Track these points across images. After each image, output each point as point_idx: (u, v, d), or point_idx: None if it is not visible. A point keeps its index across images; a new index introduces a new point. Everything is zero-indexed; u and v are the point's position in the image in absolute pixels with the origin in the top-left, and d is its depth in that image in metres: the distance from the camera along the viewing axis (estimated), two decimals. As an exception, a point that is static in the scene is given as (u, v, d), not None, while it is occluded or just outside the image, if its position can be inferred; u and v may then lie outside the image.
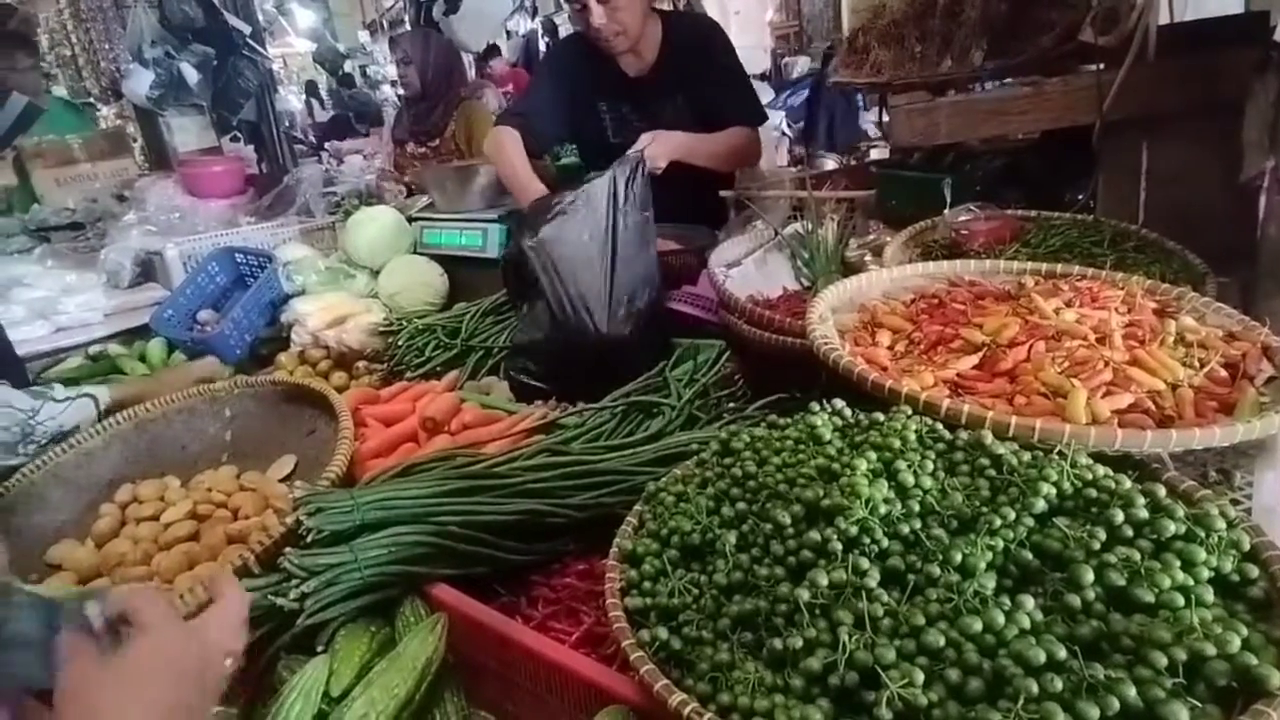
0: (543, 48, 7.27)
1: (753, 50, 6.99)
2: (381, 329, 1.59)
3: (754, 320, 1.23)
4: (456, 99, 3.04)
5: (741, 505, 0.69)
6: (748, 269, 1.46)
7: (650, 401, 1.14)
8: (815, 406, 0.79)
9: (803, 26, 8.06)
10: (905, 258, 1.32)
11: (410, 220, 1.95)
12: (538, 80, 2.05)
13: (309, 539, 0.81)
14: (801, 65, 6.84)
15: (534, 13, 7.52)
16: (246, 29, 3.35)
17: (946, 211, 1.38)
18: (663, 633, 0.60)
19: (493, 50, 6.43)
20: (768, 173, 2.48)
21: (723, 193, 1.88)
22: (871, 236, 1.51)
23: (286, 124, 4.30)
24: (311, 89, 8.63)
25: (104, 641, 0.55)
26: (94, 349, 1.75)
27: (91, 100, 3.41)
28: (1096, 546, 0.57)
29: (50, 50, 3.35)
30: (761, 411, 1.11)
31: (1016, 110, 1.39)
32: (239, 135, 3.55)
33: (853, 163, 3.75)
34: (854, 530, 0.60)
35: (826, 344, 0.89)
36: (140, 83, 2.99)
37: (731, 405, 1.18)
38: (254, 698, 0.78)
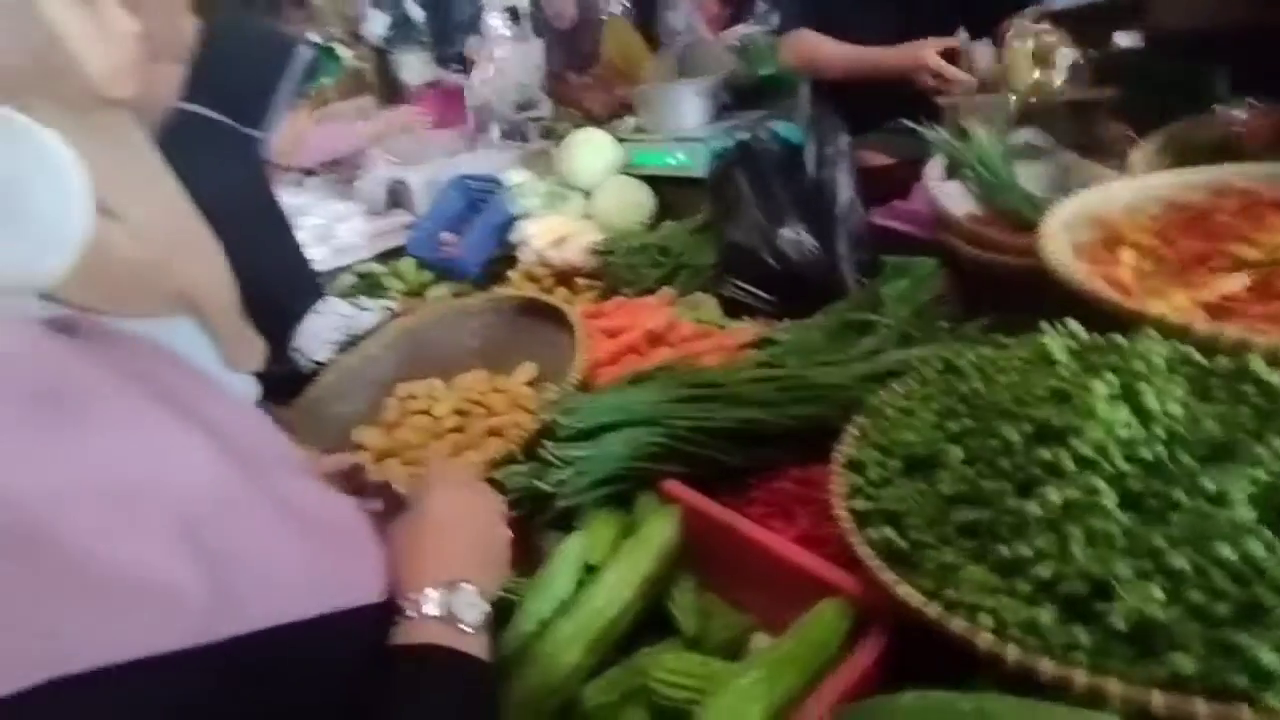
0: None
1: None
2: (599, 248, 1.71)
3: (974, 240, 1.19)
4: (599, 20, 3.03)
5: (967, 421, 0.71)
6: (967, 183, 1.39)
7: (864, 319, 1.15)
8: (1046, 327, 0.78)
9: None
10: (1157, 166, 1.20)
11: (619, 141, 2.04)
12: None
13: (561, 435, 0.95)
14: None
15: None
16: (461, -37, 3.54)
17: (1216, 108, 1.22)
18: (890, 532, 0.65)
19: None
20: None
21: (938, 99, 1.77)
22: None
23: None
24: (513, 14, 8.93)
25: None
26: (360, 268, 2.04)
27: (337, 44, 3.82)
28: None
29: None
30: (980, 332, 1.09)
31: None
32: (457, 67, 3.82)
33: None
34: (1088, 450, 0.60)
35: (1060, 262, 0.86)
36: (377, 24, 3.31)
37: (946, 325, 1.17)
38: (519, 566, 0.94)
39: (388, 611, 0.56)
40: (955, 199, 1.33)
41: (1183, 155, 1.22)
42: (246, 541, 0.45)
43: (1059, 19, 1.66)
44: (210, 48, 1.51)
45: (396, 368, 1.40)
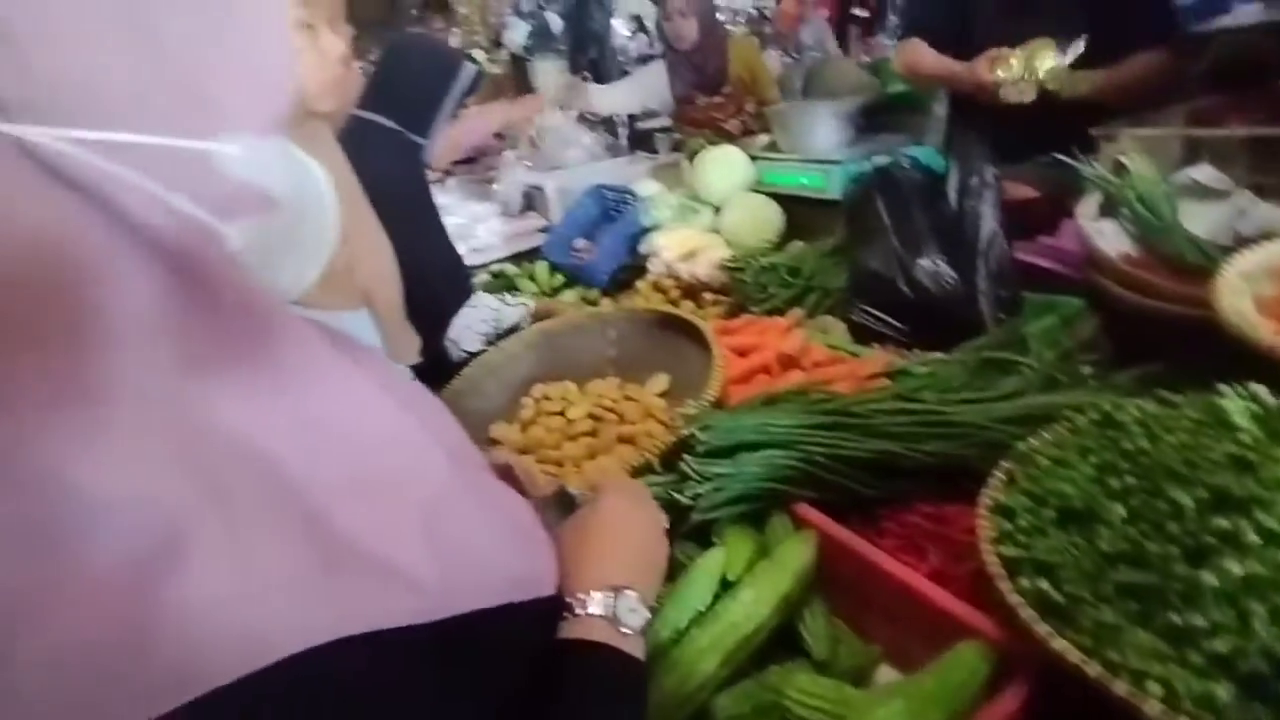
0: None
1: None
2: (728, 265, 1.74)
3: (1130, 283, 1.15)
4: (723, 39, 2.98)
5: (1130, 479, 0.70)
6: (1123, 221, 1.34)
7: (1005, 358, 1.13)
8: (1225, 388, 0.75)
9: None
10: (1349, 217, 1.12)
11: (752, 159, 2.06)
12: None
13: (699, 450, 0.98)
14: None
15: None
16: (601, -26, 3.65)
17: None
18: (1044, 584, 0.65)
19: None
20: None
21: (1094, 131, 1.70)
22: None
23: (620, 58, 4.65)
24: (639, 23, 9.07)
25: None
26: (495, 267, 2.15)
27: (478, 51, 4.02)
28: None
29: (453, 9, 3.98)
30: (1132, 382, 1.05)
31: None
32: (588, 75, 3.94)
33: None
34: (1274, 523, 0.58)
35: (1241, 318, 0.82)
36: (518, 33, 3.46)
37: (1092, 372, 1.13)
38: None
39: (557, 605, 0.60)
40: (1109, 238, 1.28)
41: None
42: (465, 531, 0.51)
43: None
44: (389, 62, 1.64)
45: (534, 368, 1.48)
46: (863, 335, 1.42)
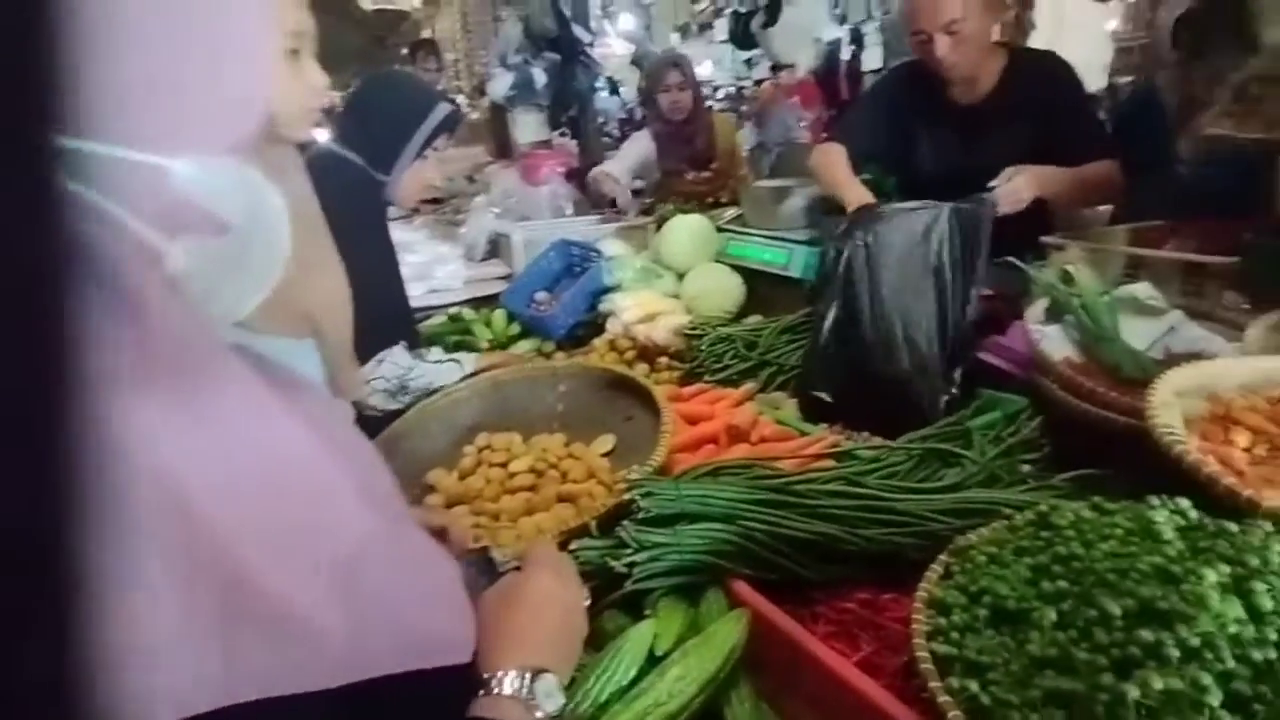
0: (846, 56, 7.17)
1: (1089, 65, 6.26)
2: (686, 331, 1.75)
3: (1071, 387, 1.18)
4: (709, 114, 3.11)
5: (1063, 584, 0.70)
6: (1067, 327, 1.39)
7: (951, 451, 1.15)
8: (1154, 500, 0.76)
9: (1153, 40, 7.05)
10: (1272, 345, 1.18)
11: (718, 230, 2.10)
12: (865, 102, 2.14)
13: (639, 517, 0.96)
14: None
15: (842, 20, 7.42)
16: (587, 38, 3.77)
17: (1339, 297, 1.20)
18: (974, 685, 0.64)
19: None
20: (1093, 218, 2.28)
21: (1044, 239, 1.78)
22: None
23: (601, 121, 4.76)
24: (613, 87, 9.37)
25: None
26: (452, 311, 2.13)
27: (461, 96, 4.08)
28: None
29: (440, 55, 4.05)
30: (1068, 484, 1.08)
31: None
32: (566, 131, 4.02)
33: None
34: (1195, 641, 0.59)
35: (1171, 434, 0.85)
36: (501, 84, 3.53)
37: (1031, 470, 1.15)
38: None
39: (470, 677, 0.57)
40: (1054, 342, 1.32)
41: (1301, 339, 1.20)
42: (380, 589, 0.48)
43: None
44: (362, 95, 1.64)
45: (479, 416, 1.45)
46: (813, 414, 1.44)
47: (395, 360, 1.49)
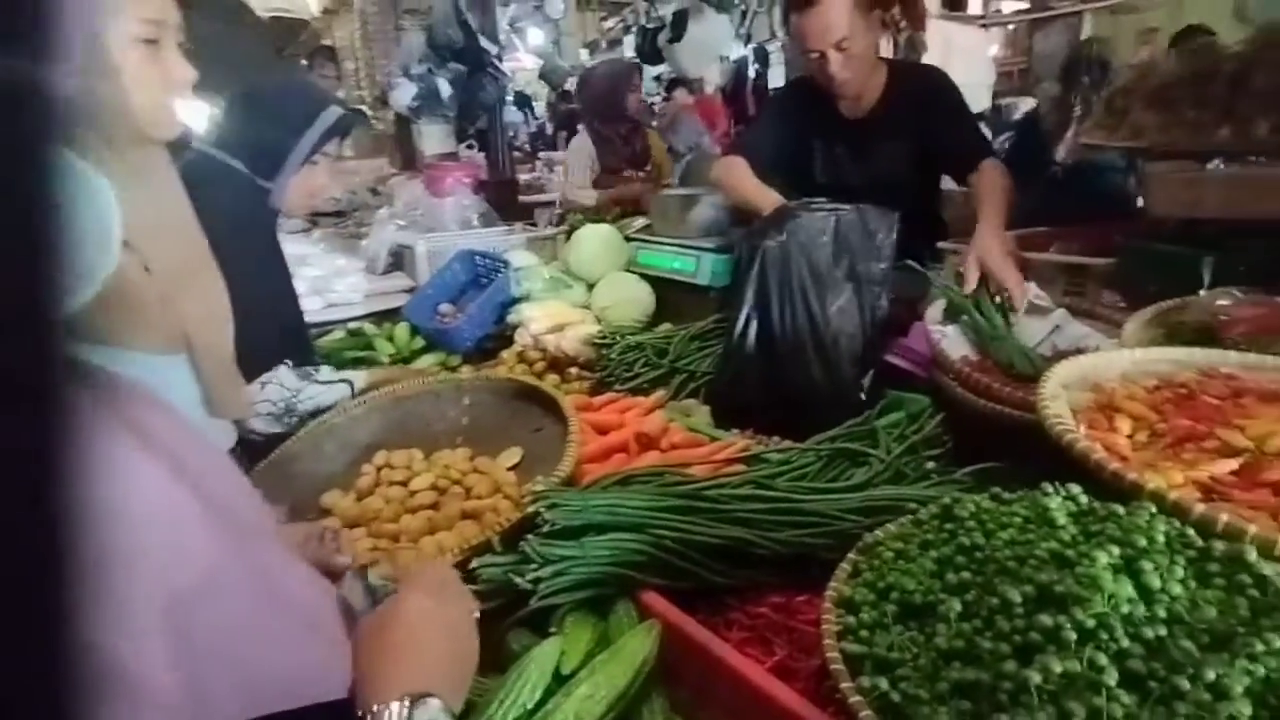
0: (752, 74, 7.36)
1: (975, 87, 6.64)
2: (596, 341, 1.72)
3: (969, 385, 1.21)
4: (644, 128, 3.27)
5: (966, 574, 0.70)
6: (964, 327, 1.44)
7: (858, 451, 1.16)
8: (1048, 488, 0.78)
9: (1032, 65, 7.56)
10: (1146, 339, 1.24)
11: (627, 239, 2.09)
12: (763, 117, 2.18)
13: (544, 530, 0.92)
14: (1025, 107, 6.43)
15: (747, 39, 7.63)
16: (494, 49, 3.71)
17: (1203, 293, 1.28)
18: (884, 683, 0.63)
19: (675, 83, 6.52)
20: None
21: (941, 244, 1.85)
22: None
23: (510, 134, 4.71)
24: (523, 101, 9.35)
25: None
26: (353, 325, 2.03)
27: (364, 107, 3.94)
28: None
29: (339, 63, 3.91)
30: (969, 478, 1.10)
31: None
32: (473, 143, 3.94)
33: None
34: (1091, 623, 0.59)
35: (1060, 424, 0.88)
36: (404, 94, 3.43)
37: (935, 466, 1.18)
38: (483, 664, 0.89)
39: (347, 713, 0.52)
40: (952, 342, 1.36)
41: (1170, 332, 1.27)
42: (228, 630, 0.42)
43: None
44: (246, 99, 1.54)
45: (379, 433, 1.37)
46: (724, 420, 1.43)
47: (280, 382, 1.39)
